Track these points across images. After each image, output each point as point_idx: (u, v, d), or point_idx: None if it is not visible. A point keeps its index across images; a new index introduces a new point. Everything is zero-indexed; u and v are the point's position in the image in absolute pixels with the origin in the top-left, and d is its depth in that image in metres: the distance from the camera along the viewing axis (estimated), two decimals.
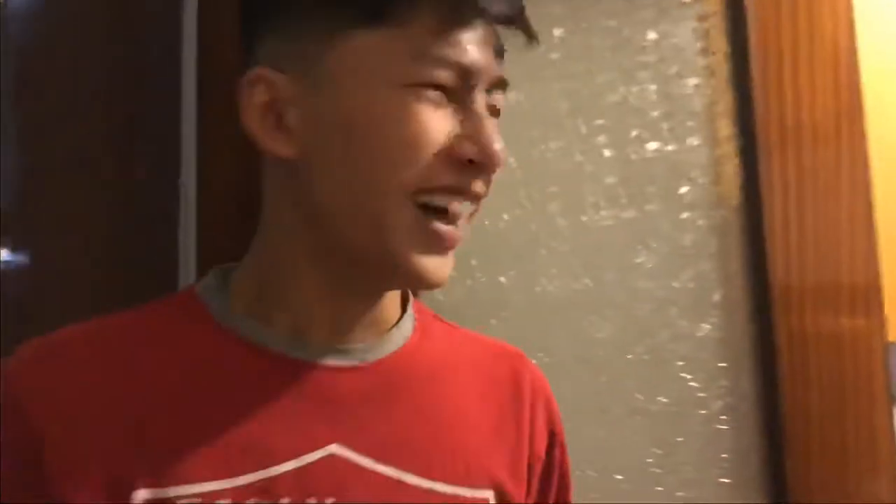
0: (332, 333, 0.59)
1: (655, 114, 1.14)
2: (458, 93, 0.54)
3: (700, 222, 1.14)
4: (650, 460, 1.08)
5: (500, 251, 1.11)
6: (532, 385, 0.71)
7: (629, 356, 1.10)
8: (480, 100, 0.56)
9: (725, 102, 1.16)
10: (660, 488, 1.08)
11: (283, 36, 0.55)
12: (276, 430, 0.55)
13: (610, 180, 1.13)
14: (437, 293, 1.09)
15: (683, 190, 1.14)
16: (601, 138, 1.13)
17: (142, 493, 0.51)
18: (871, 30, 1.48)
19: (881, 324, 1.16)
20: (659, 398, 1.10)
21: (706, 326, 1.12)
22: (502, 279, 1.11)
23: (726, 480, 1.09)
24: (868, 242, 1.16)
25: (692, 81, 1.16)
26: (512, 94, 1.13)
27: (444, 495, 0.58)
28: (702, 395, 1.10)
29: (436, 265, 0.56)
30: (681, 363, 1.11)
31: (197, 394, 0.55)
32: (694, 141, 1.15)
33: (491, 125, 0.55)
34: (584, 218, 1.12)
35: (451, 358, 0.66)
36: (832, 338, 1.14)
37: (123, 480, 0.51)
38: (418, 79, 0.53)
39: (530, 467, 0.67)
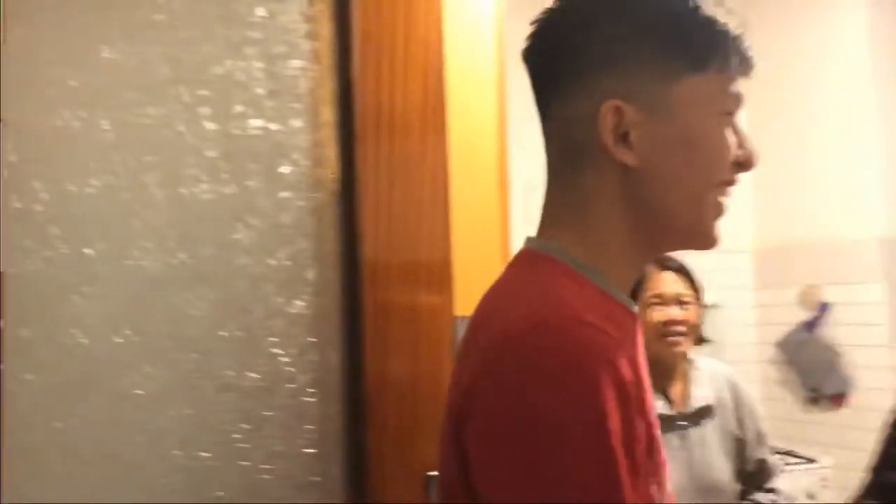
0: (627, 288, 0.84)
1: (260, 91, 1.14)
2: (733, 116, 0.81)
3: (299, 203, 1.17)
4: (238, 436, 1.09)
5: (86, 220, 1.02)
6: None
7: (222, 333, 1.10)
8: (738, 119, 0.82)
9: (328, 88, 1.20)
10: (246, 463, 1.10)
11: (630, 78, 0.78)
12: (641, 354, 0.83)
13: (211, 154, 1.10)
14: (8, 267, 0.97)
15: (284, 170, 1.16)
16: (204, 110, 1.10)
17: (642, 424, 0.74)
18: (458, 38, 1.63)
19: (451, 299, 1.30)
20: (250, 374, 1.11)
21: (299, 303, 1.16)
22: (88, 251, 1.02)
23: (311, 451, 1.15)
24: (443, 226, 1.30)
25: (297, 63, 1.18)
26: (107, 53, 1.05)
27: None
28: (291, 369, 1.14)
29: (719, 231, 0.83)
30: (273, 339, 1.13)
31: (624, 332, 0.78)
32: (297, 123, 1.17)
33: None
34: (182, 190, 1.08)
35: None
36: (411, 312, 1.26)
37: (644, 410, 0.76)
38: (727, 109, 0.80)
39: None
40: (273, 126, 1.15)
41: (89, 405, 1.01)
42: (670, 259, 1.97)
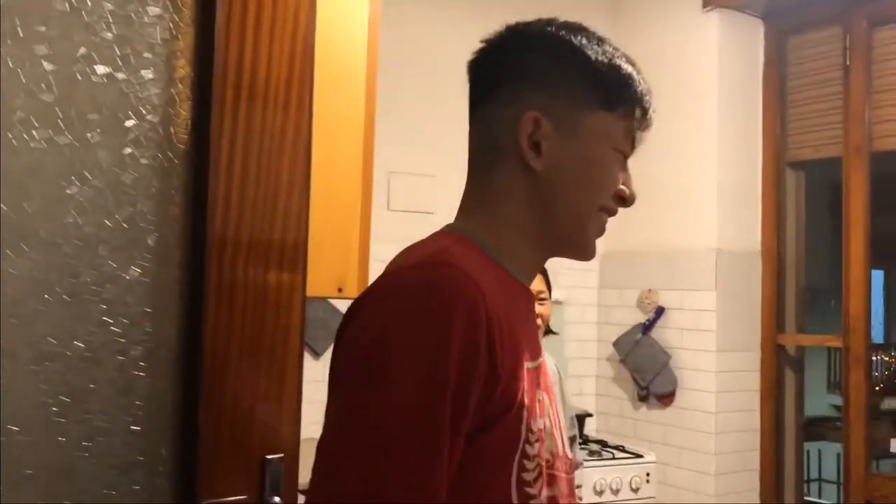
0: (528, 278, 0.98)
1: (109, 35, 1.05)
2: (624, 158, 0.97)
3: (143, 161, 1.08)
4: (55, 409, 1.00)
5: None
6: None
7: (47, 296, 1.00)
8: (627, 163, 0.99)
9: (186, 42, 1.12)
10: (62, 439, 1.00)
11: (554, 100, 0.94)
12: (533, 334, 0.96)
13: (47, 98, 1.00)
14: None
15: (130, 123, 1.07)
16: (41, 48, 0.99)
17: (526, 364, 0.89)
18: (330, 8, 1.58)
19: (303, 280, 1.25)
20: (75, 343, 1.02)
21: (136, 270, 1.07)
22: None
23: (137, 429, 1.06)
24: (301, 205, 1.24)
25: (154, 10, 1.08)
26: None
27: None
28: (122, 340, 1.06)
29: (595, 247, 0.99)
30: (104, 307, 1.04)
31: (512, 304, 0.91)
32: (148, 74, 1.08)
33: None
34: (9, 135, 0.97)
35: None
36: (258, 290, 1.20)
37: (517, 356, 0.87)
38: (622, 148, 0.96)
39: None
40: (120, 75, 1.06)
41: None
42: None
